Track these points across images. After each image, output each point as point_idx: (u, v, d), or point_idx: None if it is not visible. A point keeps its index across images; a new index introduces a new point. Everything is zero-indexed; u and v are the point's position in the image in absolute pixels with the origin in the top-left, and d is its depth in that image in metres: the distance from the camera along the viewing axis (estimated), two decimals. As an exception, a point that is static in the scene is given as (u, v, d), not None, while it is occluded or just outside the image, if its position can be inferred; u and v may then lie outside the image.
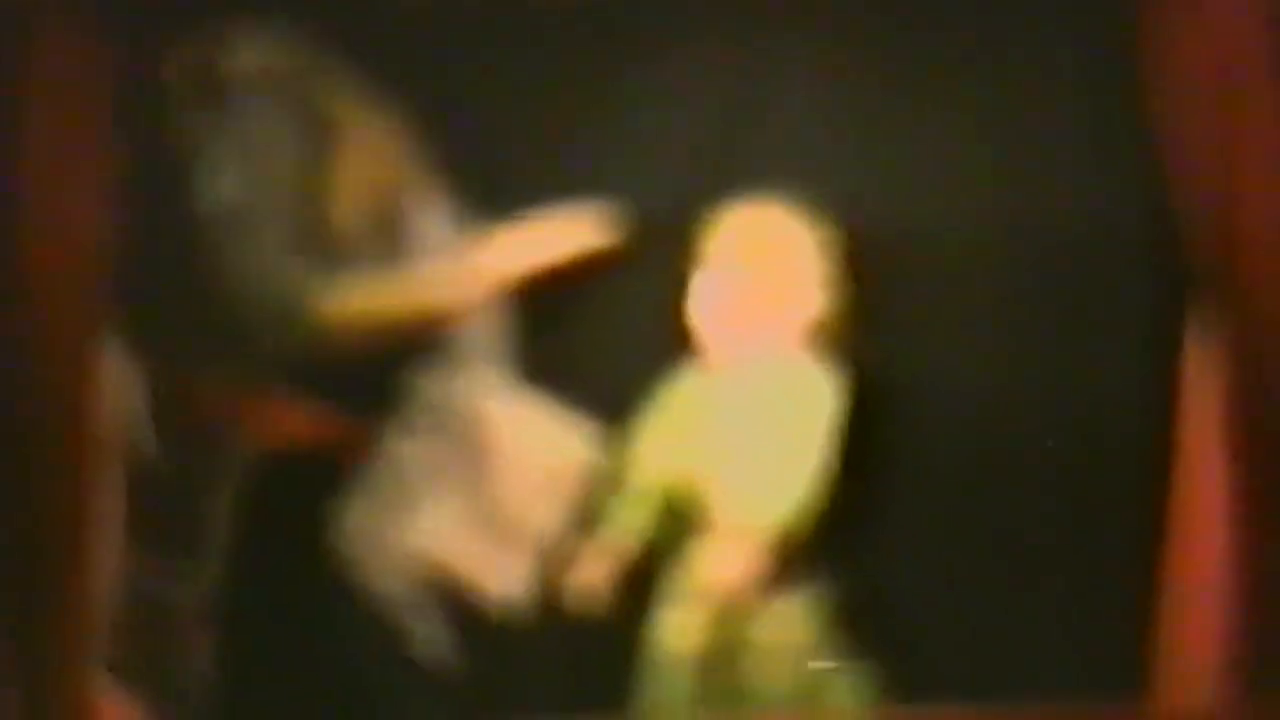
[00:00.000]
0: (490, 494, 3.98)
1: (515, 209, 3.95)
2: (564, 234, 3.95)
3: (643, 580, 3.86)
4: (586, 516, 3.91)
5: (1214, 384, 3.46)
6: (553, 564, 3.92)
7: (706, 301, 3.82)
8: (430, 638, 3.97)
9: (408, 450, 4.00)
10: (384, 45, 3.97)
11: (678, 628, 3.81)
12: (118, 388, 3.86)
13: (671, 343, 3.87)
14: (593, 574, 3.85)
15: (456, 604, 3.97)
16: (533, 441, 3.97)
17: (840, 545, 3.79)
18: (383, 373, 4.00)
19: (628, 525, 3.87)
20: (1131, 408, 3.74)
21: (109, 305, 3.69)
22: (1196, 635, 3.47)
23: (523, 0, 3.95)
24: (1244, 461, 3.40)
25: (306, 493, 3.96)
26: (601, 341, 3.97)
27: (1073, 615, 3.76)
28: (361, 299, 3.95)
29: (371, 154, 4.01)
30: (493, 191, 3.97)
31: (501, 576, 3.97)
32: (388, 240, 4.02)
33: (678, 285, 3.86)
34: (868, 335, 3.82)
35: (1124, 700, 3.63)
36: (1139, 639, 3.63)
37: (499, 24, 3.97)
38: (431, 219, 4.04)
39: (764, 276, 3.79)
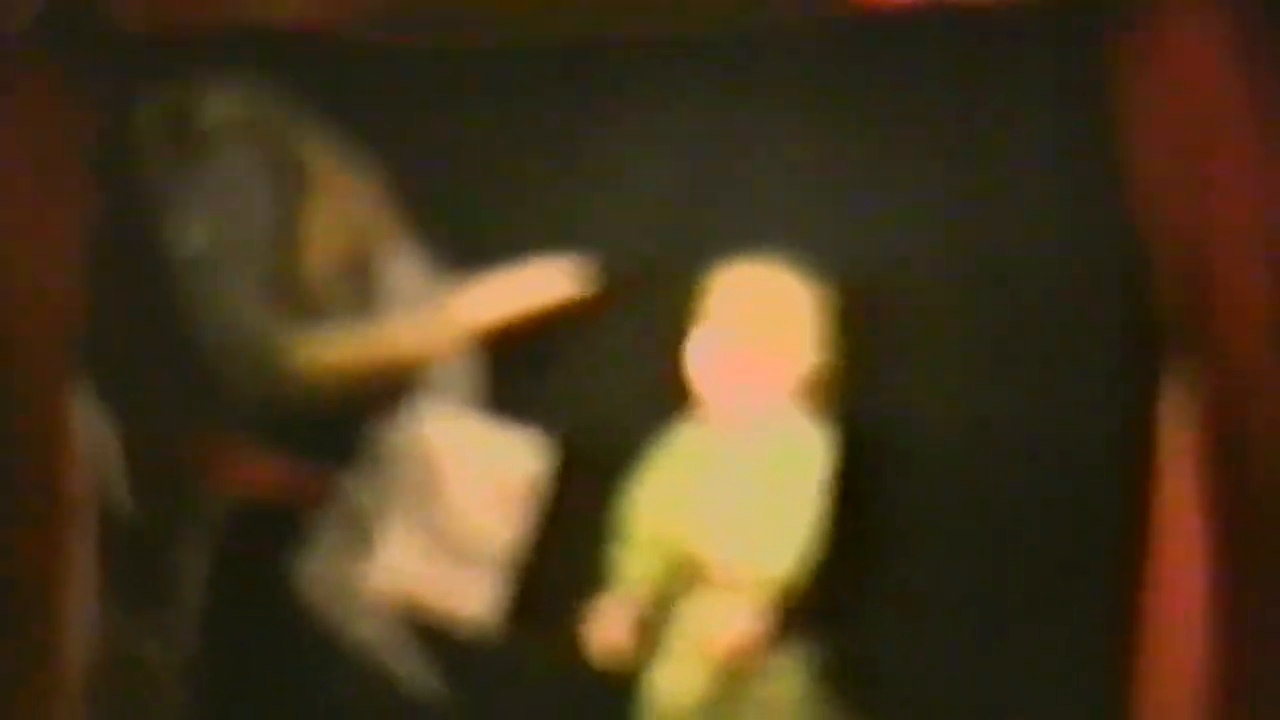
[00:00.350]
0: (442, 517, 3.94)
1: (491, 262, 3.93)
2: (539, 284, 3.92)
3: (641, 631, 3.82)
4: (597, 571, 3.87)
5: (1190, 430, 3.43)
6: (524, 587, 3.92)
7: (706, 355, 3.81)
8: (414, 675, 3.94)
9: (362, 491, 3.97)
10: (358, 97, 3.96)
11: (676, 681, 3.78)
12: (89, 440, 3.84)
13: (655, 396, 3.85)
14: (614, 628, 3.81)
15: (435, 637, 3.93)
16: (477, 457, 3.94)
17: (831, 600, 3.76)
18: (350, 423, 3.97)
19: (640, 576, 3.83)
20: (1110, 457, 3.69)
21: (80, 357, 3.67)
22: (1176, 691, 3.45)
23: (502, 52, 3.94)
24: (1221, 506, 3.38)
25: (279, 544, 3.92)
26: (579, 394, 3.95)
27: (1054, 669, 3.73)
28: (333, 349, 3.93)
29: (343, 204, 3.98)
30: (468, 244, 3.95)
31: (467, 598, 3.93)
32: (359, 290, 4.00)
33: (658, 339, 3.84)
34: (857, 389, 3.81)
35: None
36: (1121, 696, 3.59)
37: (476, 76, 3.96)
38: (404, 269, 4.01)
39: (759, 333, 3.78)
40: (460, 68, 3.96)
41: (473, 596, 3.92)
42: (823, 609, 3.76)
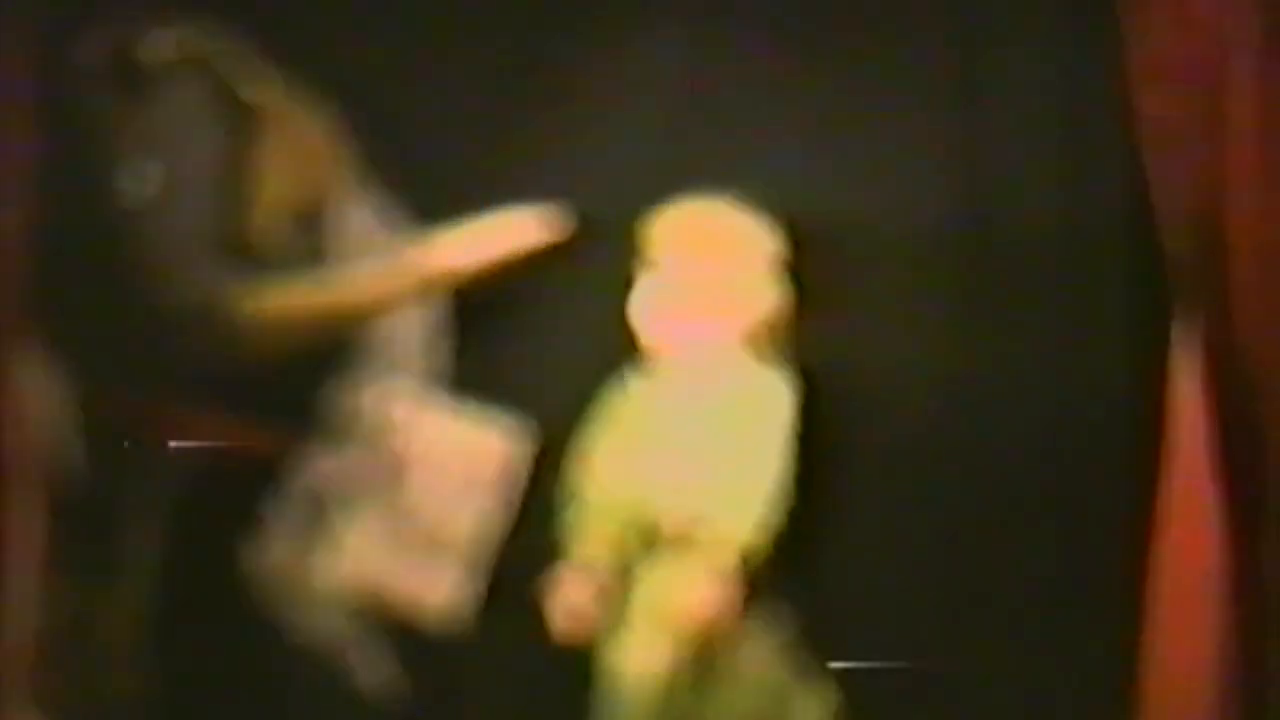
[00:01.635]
0: (409, 504, 3.84)
1: (456, 211, 3.81)
2: (504, 232, 3.79)
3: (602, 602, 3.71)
4: (556, 538, 3.75)
5: (1200, 382, 3.32)
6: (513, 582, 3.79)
7: (651, 303, 3.69)
8: (371, 668, 3.83)
9: (321, 471, 3.85)
10: (311, 36, 3.83)
11: (640, 653, 3.66)
12: (38, 399, 3.68)
13: (619, 347, 3.73)
14: (574, 599, 3.68)
15: (395, 628, 3.83)
16: (447, 443, 3.84)
17: (795, 561, 3.67)
18: (306, 383, 3.86)
19: (597, 543, 3.70)
20: (1110, 413, 3.62)
21: (26, 311, 3.51)
22: (1184, 652, 3.34)
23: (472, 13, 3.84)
24: (1232, 459, 3.26)
25: (233, 511, 3.80)
26: (546, 347, 3.84)
27: (1047, 633, 3.65)
28: (284, 296, 3.79)
29: (295, 148, 3.85)
30: (432, 193, 3.84)
31: (435, 589, 3.82)
32: (311, 239, 3.87)
33: (624, 288, 3.72)
34: (820, 335, 3.72)
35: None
36: (1120, 660, 3.46)
37: (440, 14, 3.83)
38: (359, 217, 3.88)
39: (710, 276, 3.67)
40: (423, 5, 3.85)
41: (440, 586, 3.82)
42: (788, 571, 3.66)
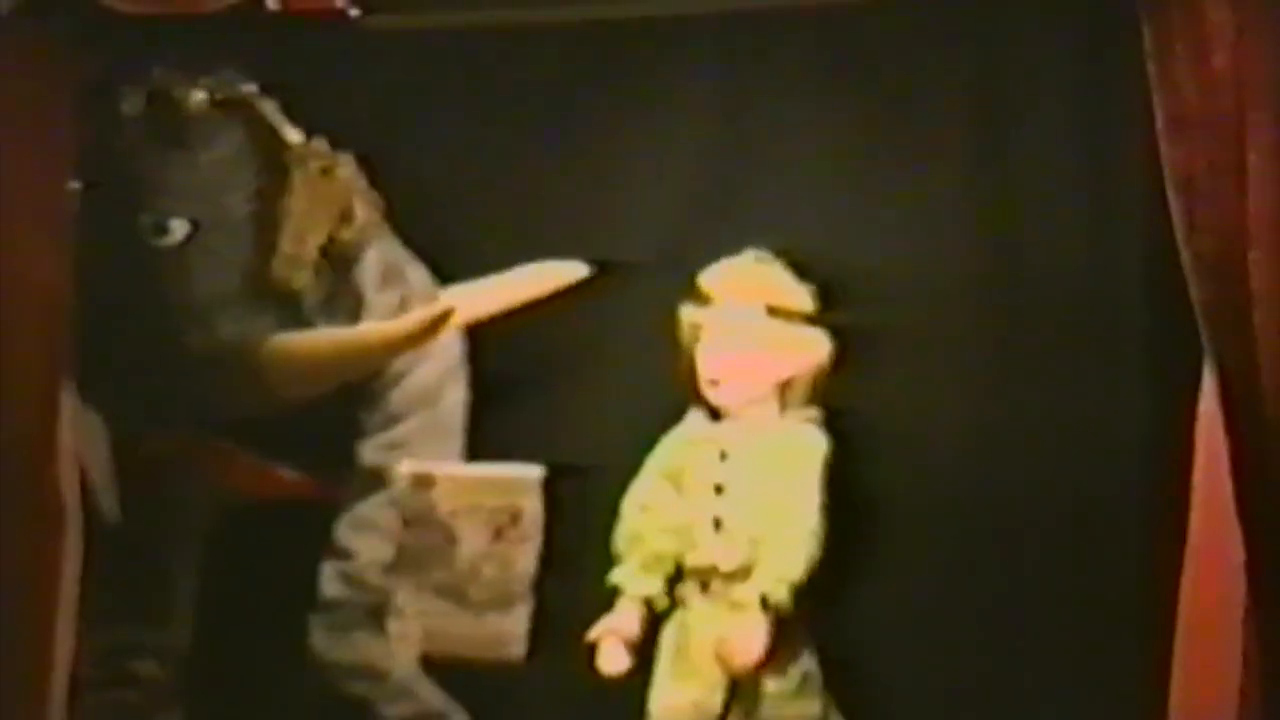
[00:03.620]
0: (458, 573, 3.88)
1: (486, 261, 3.86)
2: (528, 281, 3.82)
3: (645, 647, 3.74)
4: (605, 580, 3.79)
5: (1223, 432, 3.33)
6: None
7: (700, 356, 3.75)
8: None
9: (365, 545, 3.90)
10: (344, 83, 3.90)
11: (681, 697, 3.71)
12: (78, 447, 3.73)
13: (662, 395, 3.78)
14: (626, 634, 3.72)
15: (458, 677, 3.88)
16: (484, 508, 3.87)
17: (825, 603, 3.70)
18: (337, 425, 3.90)
19: (641, 590, 3.75)
20: (1135, 458, 3.60)
21: (68, 355, 3.56)
22: (1209, 705, 3.34)
23: (499, 35, 3.86)
24: (1255, 504, 3.26)
25: (281, 557, 3.85)
26: (591, 394, 3.88)
27: (1071, 681, 3.63)
28: (311, 339, 3.85)
29: (326, 193, 3.88)
30: (457, 244, 3.90)
31: (494, 643, 3.86)
32: (336, 279, 3.91)
33: (661, 337, 3.77)
34: (857, 387, 3.74)
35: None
36: (1145, 700, 3.44)
37: (470, 60, 3.88)
38: (388, 262, 3.92)
39: (751, 329, 3.72)
40: (454, 52, 3.89)
41: (498, 640, 3.86)
42: (819, 613, 3.69)
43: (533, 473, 3.85)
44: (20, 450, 3.37)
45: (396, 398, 3.91)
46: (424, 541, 3.88)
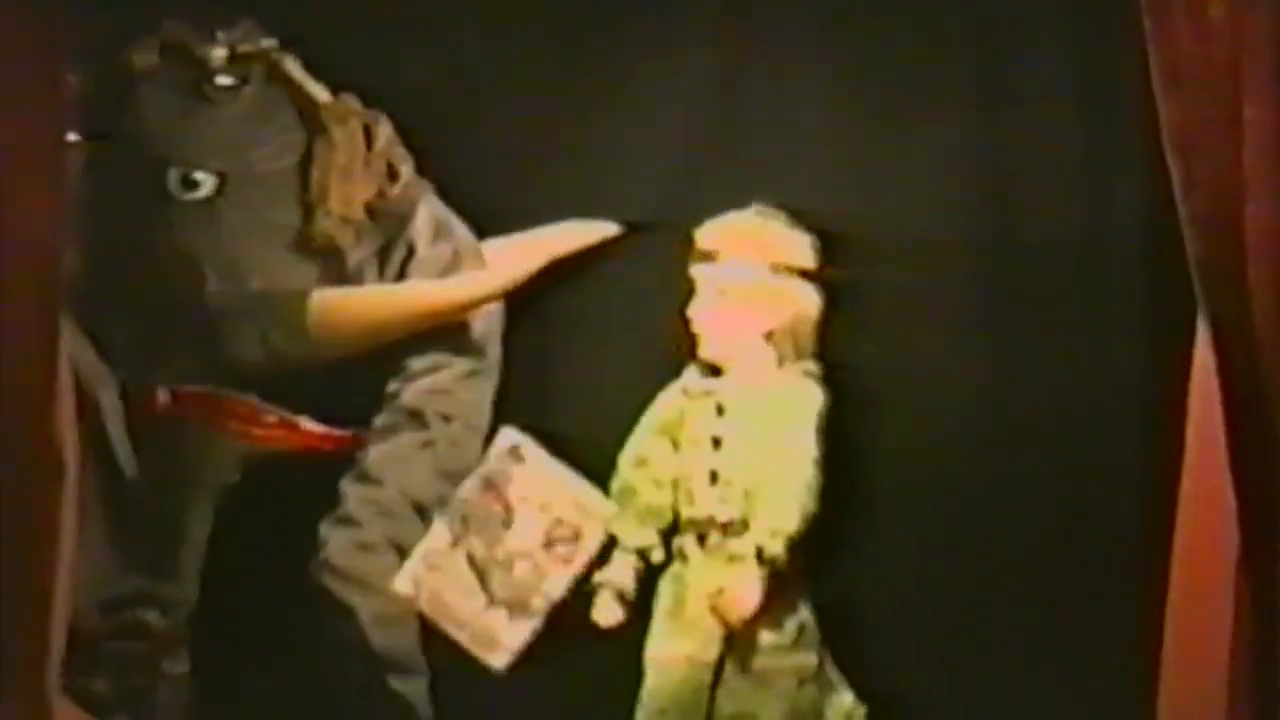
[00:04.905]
0: (496, 555, 3.87)
1: (500, 220, 3.87)
2: (557, 240, 3.84)
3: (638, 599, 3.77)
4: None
5: (1217, 389, 3.34)
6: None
7: (694, 310, 3.77)
8: (412, 693, 3.87)
9: (395, 477, 3.89)
10: (366, 58, 3.90)
11: (676, 649, 3.73)
12: (91, 400, 3.74)
13: (663, 354, 3.80)
14: (622, 584, 3.76)
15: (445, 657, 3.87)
16: (551, 511, 3.87)
17: (818, 556, 3.72)
18: (366, 380, 3.90)
19: (638, 543, 3.78)
20: (1129, 414, 3.64)
21: (75, 307, 3.56)
22: (1201, 658, 3.34)
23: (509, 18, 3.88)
24: (1250, 463, 3.27)
25: (289, 512, 3.85)
26: (595, 350, 3.89)
27: (1065, 631, 3.67)
28: (350, 296, 3.85)
29: (359, 148, 3.87)
30: (476, 203, 3.90)
31: (490, 644, 3.85)
32: (378, 236, 3.91)
33: (664, 294, 3.79)
34: (855, 341, 3.77)
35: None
36: (1139, 665, 3.45)
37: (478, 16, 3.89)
38: (423, 218, 3.91)
39: (748, 283, 3.74)
40: (452, 11, 3.89)
41: (489, 641, 3.85)
42: (811, 566, 3.71)
43: (611, 508, 3.83)
44: (18, 404, 3.37)
45: (450, 345, 3.90)
46: (483, 508, 3.87)
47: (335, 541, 3.85)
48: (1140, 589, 3.48)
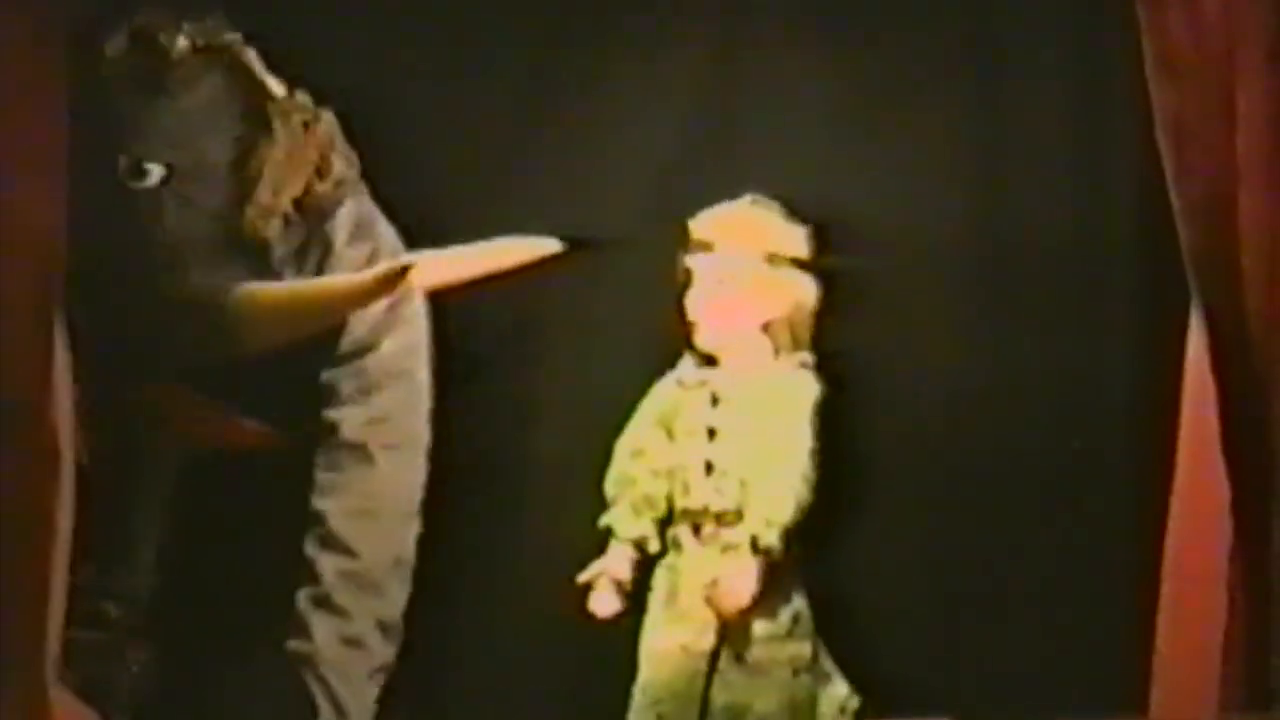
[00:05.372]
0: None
1: (467, 223, 3.86)
2: (501, 253, 3.81)
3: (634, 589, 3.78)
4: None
5: (1211, 374, 3.35)
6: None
7: (690, 301, 3.79)
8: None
9: (361, 537, 3.89)
10: (323, 35, 3.91)
11: (672, 639, 3.75)
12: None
13: (657, 342, 3.82)
14: (618, 574, 3.76)
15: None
16: None
17: (813, 548, 3.73)
18: (300, 377, 3.89)
19: (633, 533, 3.78)
20: (1123, 405, 3.65)
21: (61, 300, 3.55)
22: (1194, 648, 3.35)
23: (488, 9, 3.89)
24: (1243, 453, 3.28)
25: (239, 501, 3.85)
26: (588, 343, 3.90)
27: (1061, 628, 3.67)
28: (277, 290, 3.84)
29: (303, 143, 3.87)
30: (439, 205, 3.91)
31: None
32: (307, 232, 3.91)
33: (659, 288, 3.80)
34: (850, 332, 3.78)
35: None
36: (1131, 654, 3.45)
37: (454, 15, 3.89)
38: (358, 215, 3.91)
39: (742, 274, 3.76)
40: (443, 3, 3.91)
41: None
42: (815, 560, 3.73)
43: None
44: (16, 394, 3.37)
45: (373, 366, 3.89)
46: None
47: (321, 634, 3.86)
48: (1133, 579, 3.47)
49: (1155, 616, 3.38)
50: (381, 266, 3.81)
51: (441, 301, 3.90)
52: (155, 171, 3.83)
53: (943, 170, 3.75)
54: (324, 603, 3.86)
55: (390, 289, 3.81)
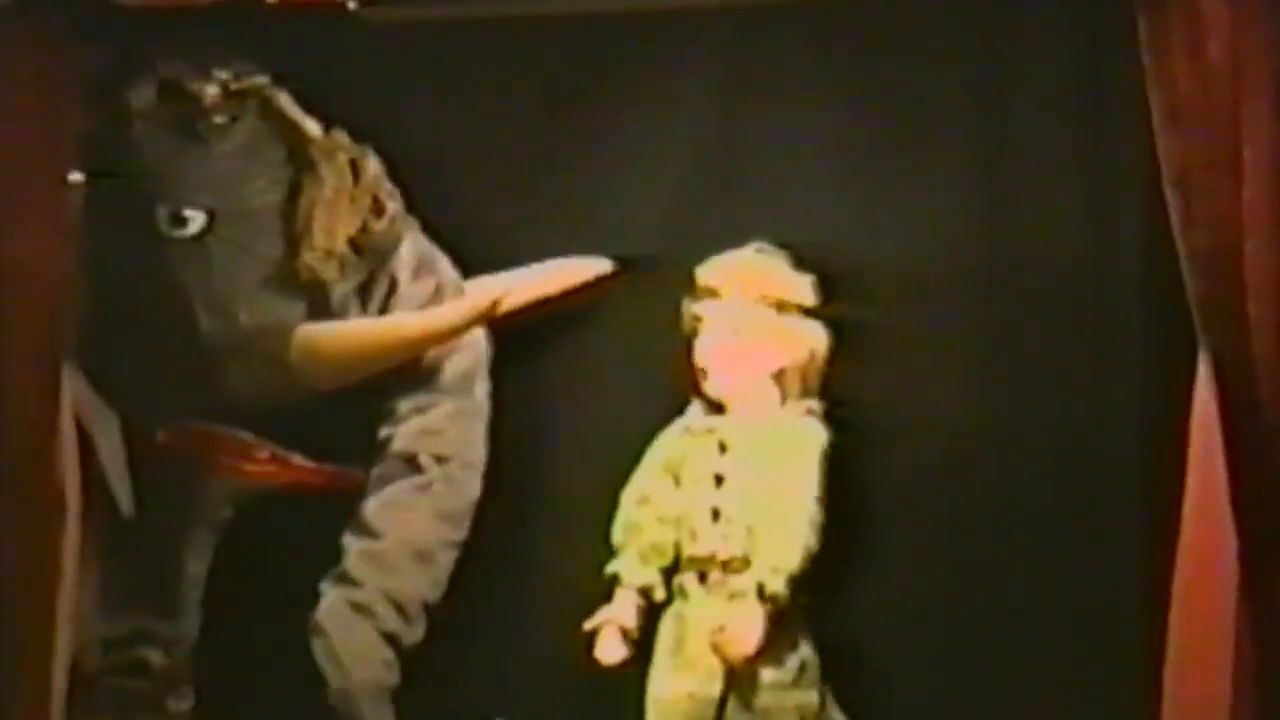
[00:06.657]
0: None
1: (493, 256, 3.89)
2: (559, 274, 3.85)
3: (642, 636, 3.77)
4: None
5: (1218, 416, 3.34)
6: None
7: (699, 348, 3.78)
8: None
9: (395, 528, 3.89)
10: (357, 76, 3.91)
11: (678, 685, 3.73)
12: (90, 439, 3.73)
13: (665, 388, 3.82)
14: (624, 622, 3.75)
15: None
16: None
17: (821, 593, 3.72)
18: (357, 417, 3.90)
19: (640, 580, 3.77)
20: (1130, 451, 3.63)
21: (75, 343, 3.57)
22: (1202, 697, 3.33)
23: (505, 28, 3.87)
24: (1249, 494, 3.28)
25: (286, 549, 3.86)
26: (596, 387, 3.91)
27: (1066, 673, 3.66)
28: (336, 330, 3.85)
29: (348, 183, 3.87)
30: (468, 238, 3.92)
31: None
32: (362, 272, 3.91)
33: (663, 331, 3.80)
34: (856, 379, 3.77)
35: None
36: (1140, 702, 3.43)
37: (476, 52, 3.90)
38: (410, 254, 3.92)
39: (751, 322, 3.75)
40: (451, 45, 3.90)
41: None
42: (822, 608, 3.72)
43: None
44: (21, 441, 3.38)
45: (432, 386, 3.90)
46: None
47: (331, 605, 3.86)
48: (1141, 622, 3.47)
49: (1163, 665, 3.37)
50: (464, 303, 3.84)
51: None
52: (196, 219, 3.83)
53: (949, 218, 3.75)
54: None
55: (483, 322, 3.85)
